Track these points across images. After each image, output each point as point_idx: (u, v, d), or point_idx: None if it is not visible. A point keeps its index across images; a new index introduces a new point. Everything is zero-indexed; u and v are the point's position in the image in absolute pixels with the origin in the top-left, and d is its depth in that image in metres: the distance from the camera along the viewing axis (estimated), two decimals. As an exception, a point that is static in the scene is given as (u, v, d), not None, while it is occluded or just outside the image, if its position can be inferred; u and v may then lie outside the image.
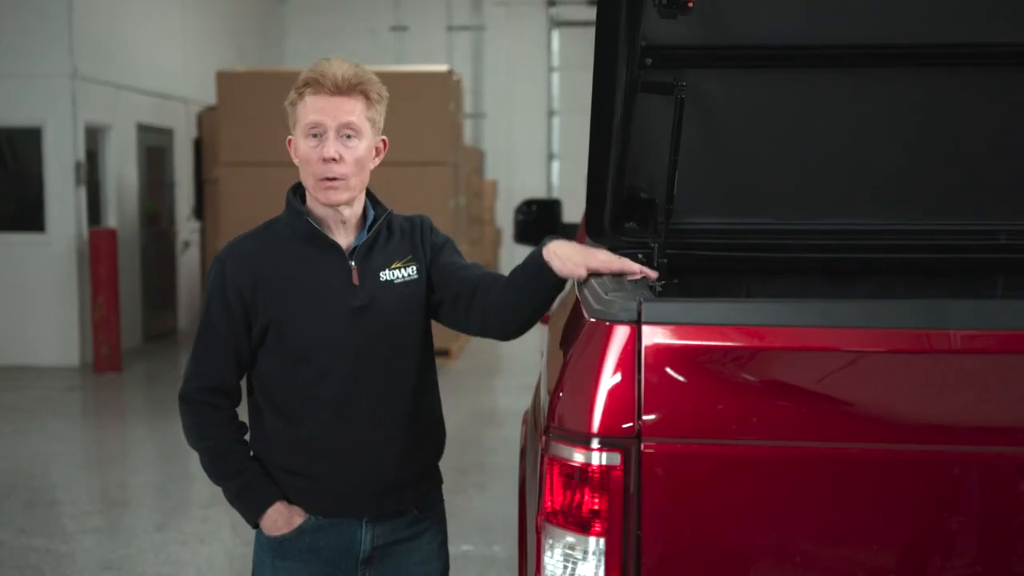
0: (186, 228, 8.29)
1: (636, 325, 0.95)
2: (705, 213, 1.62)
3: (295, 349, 1.40)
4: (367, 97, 1.39)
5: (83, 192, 6.71)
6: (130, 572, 3.02)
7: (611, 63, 1.40)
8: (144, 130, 7.59)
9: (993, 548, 0.91)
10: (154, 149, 7.85)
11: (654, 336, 0.94)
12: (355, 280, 1.40)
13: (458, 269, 1.46)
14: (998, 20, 1.39)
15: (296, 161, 1.42)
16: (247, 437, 1.47)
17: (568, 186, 10.34)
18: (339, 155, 1.36)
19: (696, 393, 0.94)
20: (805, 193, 1.61)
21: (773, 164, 1.59)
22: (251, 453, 1.46)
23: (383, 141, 1.47)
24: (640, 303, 0.96)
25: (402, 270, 1.44)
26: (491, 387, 6.03)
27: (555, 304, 1.55)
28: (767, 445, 0.91)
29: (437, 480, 1.53)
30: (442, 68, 6.90)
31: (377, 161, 1.45)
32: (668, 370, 0.94)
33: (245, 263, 1.41)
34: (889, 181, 1.60)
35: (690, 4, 1.30)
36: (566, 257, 1.30)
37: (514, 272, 1.40)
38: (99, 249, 6.42)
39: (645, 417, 0.93)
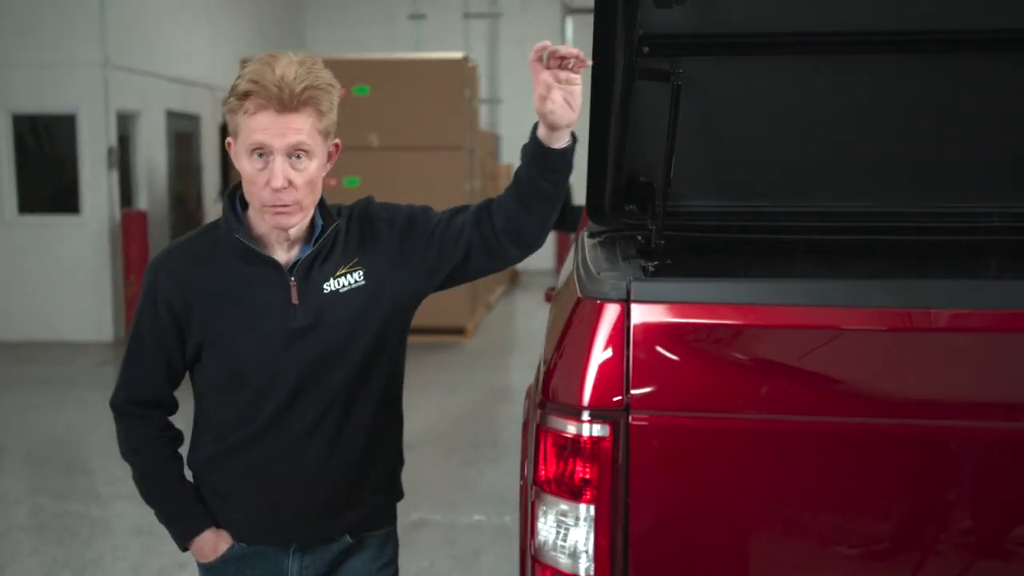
0: (213, 210, 8.49)
1: (625, 303, 1.00)
2: (703, 196, 1.65)
3: (230, 371, 1.29)
4: (317, 109, 1.21)
5: (115, 176, 6.91)
6: (160, 535, 3.16)
7: (609, 51, 1.43)
8: (172, 116, 7.76)
9: (976, 521, 0.94)
10: (182, 134, 8.03)
11: (642, 314, 0.99)
12: (294, 299, 1.26)
13: (449, 224, 1.29)
14: (987, 6, 1.39)
15: (238, 168, 1.25)
16: (183, 450, 1.38)
17: (582, 168, 10.26)
18: (288, 181, 1.20)
19: (682, 368, 0.99)
20: (801, 176, 1.63)
21: (769, 148, 1.62)
22: (184, 469, 1.37)
23: (335, 145, 1.29)
24: (629, 282, 1.01)
25: (347, 276, 1.28)
26: (506, 365, 6.09)
27: (560, 283, 1.59)
28: (749, 418, 0.95)
29: (384, 505, 1.39)
30: (457, 55, 6.92)
31: (329, 166, 1.28)
32: (655, 346, 0.99)
33: (177, 278, 1.28)
34: (883, 164, 1.61)
35: (687, -6, 1.33)
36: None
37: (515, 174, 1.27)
38: (130, 230, 6.63)
39: (633, 391, 0.98)
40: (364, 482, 1.34)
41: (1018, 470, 0.92)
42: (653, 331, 0.98)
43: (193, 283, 1.28)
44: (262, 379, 1.28)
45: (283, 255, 1.29)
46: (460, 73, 6.70)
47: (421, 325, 1.29)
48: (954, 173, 1.62)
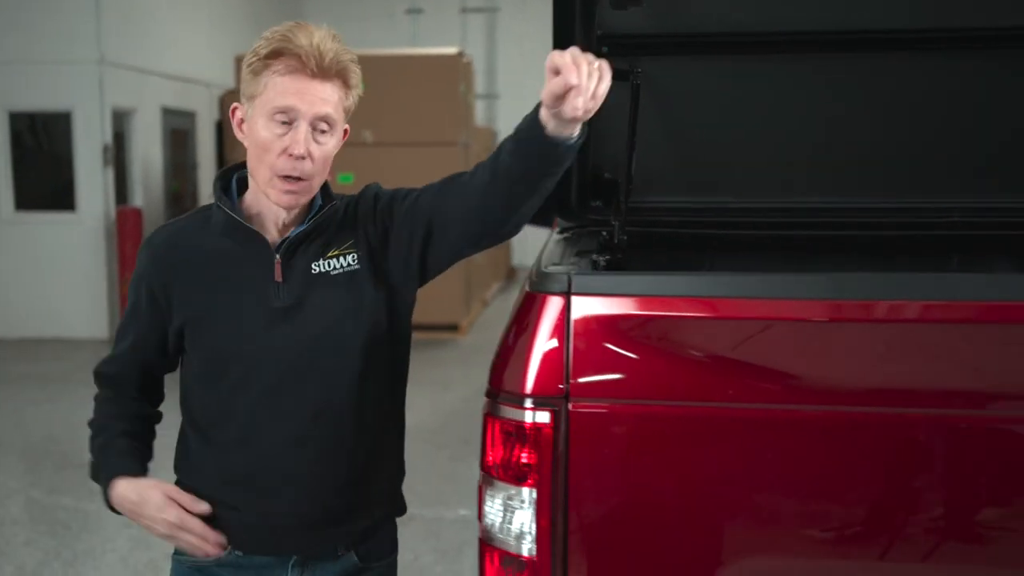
0: (210, 208, 8.53)
1: (567, 296, 1.04)
2: (666, 192, 1.70)
3: (210, 356, 1.19)
4: (346, 84, 1.16)
5: (110, 173, 6.96)
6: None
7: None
8: (168, 113, 7.80)
9: (918, 506, 0.99)
10: (178, 131, 8.07)
11: (582, 306, 1.04)
12: (277, 276, 1.17)
13: (418, 200, 1.19)
14: (944, 5, 1.43)
15: (243, 139, 1.17)
16: (153, 442, 1.27)
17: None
18: (308, 151, 1.13)
19: (619, 358, 1.03)
20: (763, 173, 1.67)
21: (731, 145, 1.66)
22: (136, 439, 1.25)
23: (344, 130, 1.21)
24: (570, 276, 1.05)
25: (340, 259, 1.19)
26: (502, 363, 6.13)
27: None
28: (681, 406, 1.00)
29: (387, 518, 1.27)
30: (452, 51, 6.96)
31: (336, 150, 1.20)
32: (594, 337, 1.03)
33: (162, 259, 1.22)
34: (843, 161, 1.65)
35: (640, -4, 1.37)
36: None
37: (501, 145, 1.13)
38: (125, 227, 6.68)
39: (573, 380, 1.03)
40: (362, 497, 1.21)
41: (960, 456, 0.96)
42: (592, 323, 1.03)
43: (176, 261, 1.21)
44: (241, 366, 1.17)
45: (274, 234, 1.20)
46: (455, 68, 6.74)
47: (415, 321, 1.25)
48: (914, 170, 1.66)
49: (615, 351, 1.02)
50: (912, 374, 0.96)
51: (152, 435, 1.30)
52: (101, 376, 1.29)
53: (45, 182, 7.05)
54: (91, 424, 1.27)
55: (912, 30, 1.46)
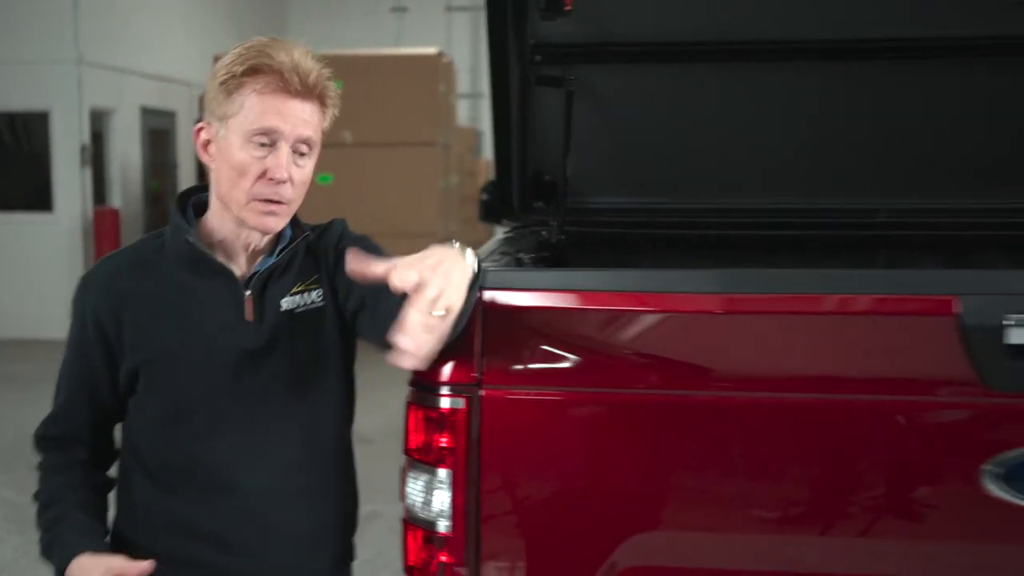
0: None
1: (481, 291, 1.11)
2: (607, 193, 1.77)
3: (171, 402, 1.09)
4: (324, 104, 1.09)
5: (88, 173, 6.97)
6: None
7: (504, 59, 1.55)
8: (148, 113, 7.82)
9: (815, 489, 1.06)
10: (157, 131, 8.08)
11: (494, 299, 1.11)
12: (248, 315, 1.09)
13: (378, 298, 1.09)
14: (866, 16, 1.51)
15: (210, 162, 1.09)
16: (109, 510, 1.16)
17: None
18: (290, 175, 1.06)
19: (528, 348, 1.10)
20: (697, 175, 1.75)
21: (665, 148, 1.73)
22: (107, 527, 1.14)
23: None
24: (483, 272, 1.12)
25: (305, 294, 1.12)
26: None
27: None
28: (585, 392, 1.07)
29: (348, 567, 1.22)
30: (431, 50, 7.01)
31: None
32: (505, 329, 1.10)
33: (110, 292, 1.10)
34: (773, 163, 1.73)
35: (567, 8, 1.44)
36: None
37: None
38: (103, 228, 6.70)
39: (485, 369, 1.10)
40: (338, 542, 1.18)
41: (836, 437, 1.04)
42: (503, 315, 1.10)
43: (127, 296, 1.09)
44: (208, 412, 1.08)
45: (240, 267, 1.11)
46: (435, 68, 6.79)
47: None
48: (841, 172, 1.74)
49: (525, 342, 1.10)
50: (787, 362, 1.04)
51: (106, 507, 1.16)
52: (44, 441, 1.17)
53: (22, 182, 7.04)
54: (38, 495, 1.16)
55: (825, 40, 1.54)
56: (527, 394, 1.09)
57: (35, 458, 1.19)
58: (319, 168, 1.13)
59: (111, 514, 1.18)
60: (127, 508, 1.15)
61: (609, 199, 1.79)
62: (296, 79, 1.05)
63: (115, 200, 7.38)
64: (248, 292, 1.10)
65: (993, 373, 1.00)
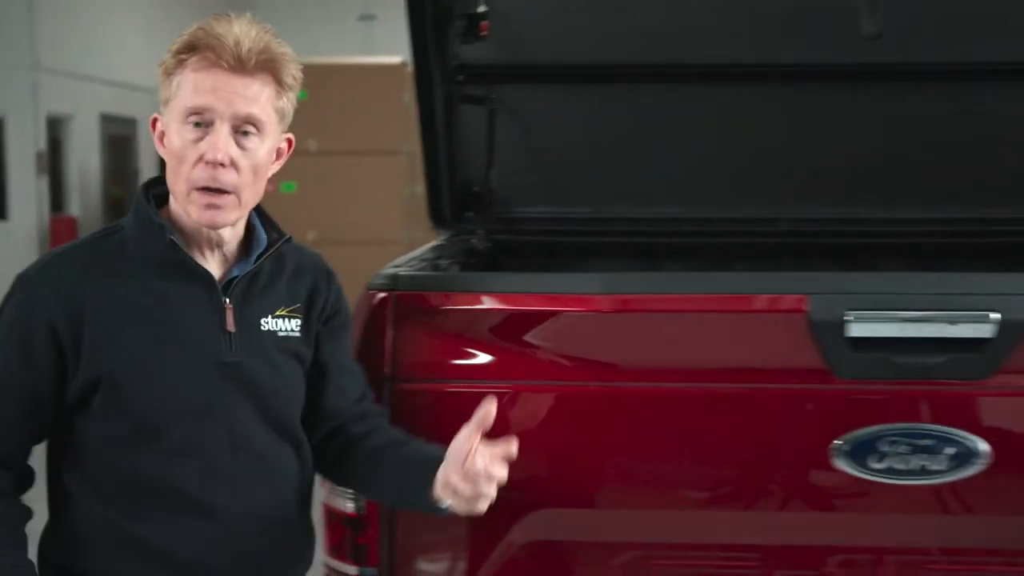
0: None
1: (391, 292, 1.23)
2: (530, 203, 1.90)
3: (139, 418, 0.96)
4: (278, 80, 0.97)
5: (45, 181, 6.91)
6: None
7: (428, 78, 1.67)
8: (107, 120, 7.78)
9: (688, 468, 1.20)
10: (118, 138, 8.05)
11: (405, 301, 1.22)
12: (229, 325, 0.98)
13: (344, 373, 1.09)
14: (767, 44, 1.68)
15: (163, 153, 0.98)
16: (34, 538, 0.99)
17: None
18: (230, 159, 0.94)
19: (436, 345, 1.22)
20: (614, 186, 1.89)
21: (585, 162, 1.87)
22: (32, 557, 0.98)
23: (288, 140, 1.03)
24: (397, 275, 1.24)
25: (286, 320, 1.03)
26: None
27: None
28: (489, 385, 1.19)
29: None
30: (396, 60, 7.12)
31: (278, 166, 1.02)
32: (415, 327, 1.22)
33: (65, 292, 0.96)
34: (684, 176, 1.88)
35: (483, 33, 1.57)
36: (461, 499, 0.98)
37: (406, 453, 1.07)
38: (60, 236, 6.65)
39: (397, 364, 1.21)
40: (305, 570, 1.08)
41: (714, 422, 1.18)
42: (413, 315, 1.22)
43: (86, 300, 0.96)
44: (184, 431, 0.97)
45: (215, 268, 1.00)
46: (400, 77, 6.87)
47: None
48: (744, 182, 1.90)
49: (433, 339, 1.21)
50: (664, 355, 1.18)
51: (26, 541, 0.99)
52: None
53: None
54: None
55: (730, 64, 1.70)
56: (437, 387, 1.20)
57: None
58: (283, 175, 1.04)
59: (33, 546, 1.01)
60: (64, 531, 1.00)
61: (535, 209, 1.92)
62: (229, 52, 0.94)
63: (73, 208, 7.33)
64: (228, 300, 0.99)
65: (838, 363, 1.14)
